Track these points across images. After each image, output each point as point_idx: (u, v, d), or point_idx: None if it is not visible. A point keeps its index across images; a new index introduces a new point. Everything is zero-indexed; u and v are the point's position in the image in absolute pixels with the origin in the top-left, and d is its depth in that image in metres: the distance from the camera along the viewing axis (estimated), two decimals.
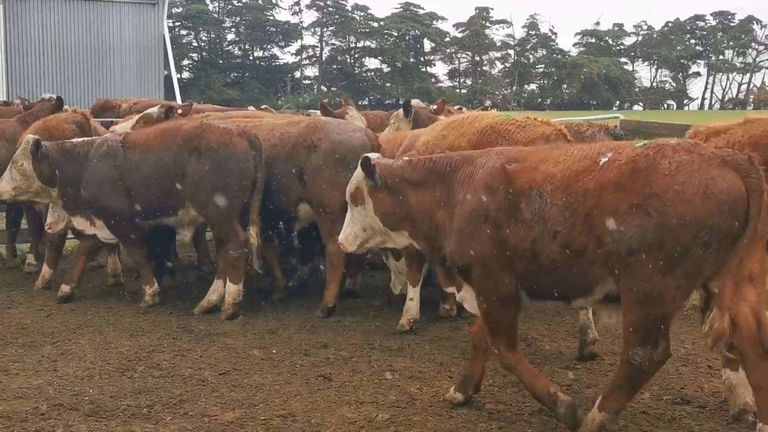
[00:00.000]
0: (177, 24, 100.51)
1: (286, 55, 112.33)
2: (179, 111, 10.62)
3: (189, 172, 9.04)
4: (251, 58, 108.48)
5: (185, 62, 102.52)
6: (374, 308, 9.48)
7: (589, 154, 5.61)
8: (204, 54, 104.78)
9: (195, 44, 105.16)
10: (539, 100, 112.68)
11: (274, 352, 7.85)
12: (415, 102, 12.12)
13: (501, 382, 7.06)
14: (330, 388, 6.91)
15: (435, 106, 13.24)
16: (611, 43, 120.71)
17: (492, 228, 5.84)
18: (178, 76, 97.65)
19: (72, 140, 9.82)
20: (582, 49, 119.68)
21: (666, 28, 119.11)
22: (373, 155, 6.75)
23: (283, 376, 7.18)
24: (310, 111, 12.75)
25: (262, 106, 13.34)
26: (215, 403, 6.58)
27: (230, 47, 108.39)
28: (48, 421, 6.18)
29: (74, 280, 9.76)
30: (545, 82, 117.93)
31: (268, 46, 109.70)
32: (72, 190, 9.55)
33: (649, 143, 5.45)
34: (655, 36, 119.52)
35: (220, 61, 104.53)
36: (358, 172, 6.65)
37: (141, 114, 10.84)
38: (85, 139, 9.84)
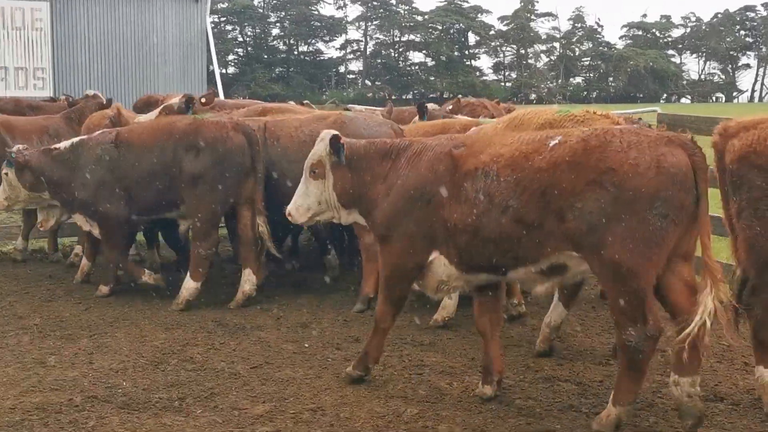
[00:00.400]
0: (222, 19, 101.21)
1: (330, 50, 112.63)
2: (202, 100, 10.67)
3: (186, 167, 9.17)
4: (296, 52, 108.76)
5: (231, 57, 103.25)
6: (408, 304, 9.45)
7: (537, 138, 6.01)
8: (249, 49, 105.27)
9: (240, 39, 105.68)
10: (585, 93, 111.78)
11: (307, 346, 7.90)
12: (431, 106, 12.19)
13: (532, 377, 7.04)
14: (360, 382, 6.93)
15: (450, 106, 13.15)
16: (658, 35, 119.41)
17: (429, 208, 6.32)
18: (224, 71, 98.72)
19: (61, 143, 9.88)
20: (628, 41, 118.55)
21: (715, 20, 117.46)
22: (334, 132, 6.96)
23: (314, 370, 7.22)
24: (349, 106, 12.76)
25: (304, 101, 13.37)
26: (246, 396, 6.63)
27: (275, 42, 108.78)
28: (82, 412, 6.29)
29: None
30: (591, 75, 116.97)
31: (313, 41, 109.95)
32: (65, 193, 9.68)
33: (596, 128, 5.90)
34: (703, 27, 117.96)
35: (265, 56, 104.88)
36: (322, 147, 6.85)
37: (163, 105, 10.89)
38: (74, 140, 9.87)
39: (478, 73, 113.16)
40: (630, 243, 5.43)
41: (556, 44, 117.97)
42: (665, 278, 5.69)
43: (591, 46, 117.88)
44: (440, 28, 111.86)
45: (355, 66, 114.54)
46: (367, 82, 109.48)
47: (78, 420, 6.14)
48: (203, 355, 7.61)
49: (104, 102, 12.41)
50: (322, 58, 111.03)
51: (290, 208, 7.09)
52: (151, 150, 9.29)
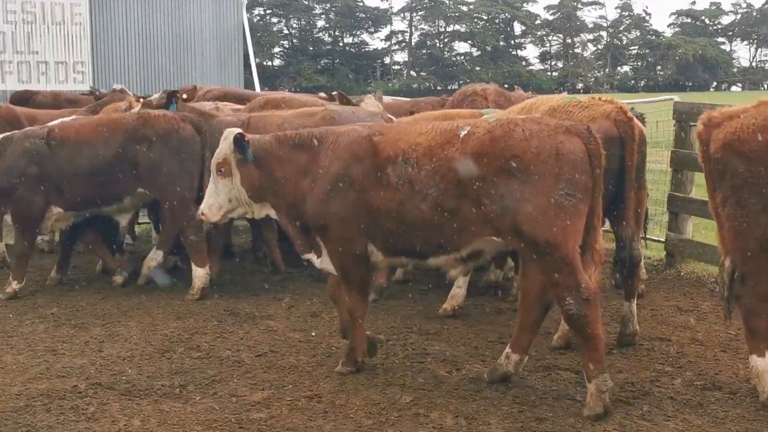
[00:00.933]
0: (268, 12, 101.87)
1: (375, 41, 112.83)
2: (184, 96, 10.81)
3: (142, 160, 9.41)
4: (341, 44, 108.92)
5: (276, 50, 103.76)
6: (420, 292, 9.51)
7: (449, 128, 6.38)
8: (294, 41, 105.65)
9: (285, 32, 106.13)
10: (632, 82, 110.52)
11: (314, 334, 7.99)
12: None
13: (532, 366, 7.04)
14: (361, 370, 6.99)
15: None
16: (708, 22, 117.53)
17: (354, 192, 6.53)
18: (269, 63, 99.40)
19: None
20: (677, 29, 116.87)
21: (766, 6, 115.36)
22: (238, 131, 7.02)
23: (317, 358, 7.30)
24: (334, 93, 12.68)
25: (333, 93, 13.41)
26: (246, 383, 6.73)
27: (320, 34, 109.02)
28: (84, 399, 6.43)
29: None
30: (639, 63, 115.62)
31: (358, 33, 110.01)
32: None
33: (500, 118, 6.37)
34: (754, 14, 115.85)
35: (311, 48, 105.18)
36: (226, 145, 6.92)
37: (144, 101, 10.96)
38: (7, 133, 9.95)
39: (524, 63, 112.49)
40: (543, 220, 5.88)
41: (603, 33, 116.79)
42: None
43: (639, 34, 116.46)
44: (485, 17, 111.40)
45: (400, 57, 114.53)
46: (413, 73, 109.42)
47: (79, 406, 6.28)
48: (210, 344, 7.73)
49: (131, 96, 12.56)
50: (367, 49, 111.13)
51: (203, 208, 7.18)
52: (92, 146, 9.47)
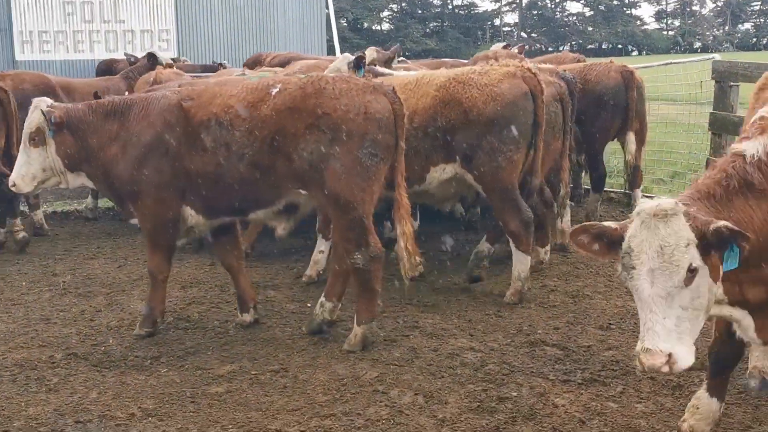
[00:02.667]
0: None
1: (485, 3, 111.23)
2: (169, 61, 10.40)
3: None
4: (450, 7, 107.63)
5: (385, 14, 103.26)
6: (431, 264, 9.18)
7: (260, 86, 6.55)
8: (403, 5, 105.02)
9: None
10: (754, 40, 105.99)
11: (309, 305, 7.79)
12: (370, 54, 10.50)
13: (520, 341, 6.74)
14: (340, 343, 6.78)
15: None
16: None
17: (167, 159, 6.63)
18: (378, 27, 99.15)
19: None
20: None
21: None
22: (48, 101, 7.08)
23: (301, 331, 7.11)
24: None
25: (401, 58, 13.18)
26: (218, 356, 6.61)
27: None
28: (54, 369, 6.43)
29: None
30: (762, 20, 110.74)
31: None
32: None
33: (311, 76, 6.57)
34: None
35: (419, 11, 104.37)
36: (37, 115, 6.90)
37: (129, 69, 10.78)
38: None
39: (638, 23, 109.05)
40: (346, 178, 6.20)
41: None
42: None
43: None
44: None
45: (511, 18, 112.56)
46: (523, 35, 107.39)
47: (45, 377, 6.27)
48: (201, 314, 7.64)
49: (163, 63, 12.57)
50: (476, 11, 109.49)
51: (14, 177, 7.10)
52: None
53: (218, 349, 6.77)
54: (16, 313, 7.80)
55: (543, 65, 8.97)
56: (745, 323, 4.35)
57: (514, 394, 5.74)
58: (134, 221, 7.16)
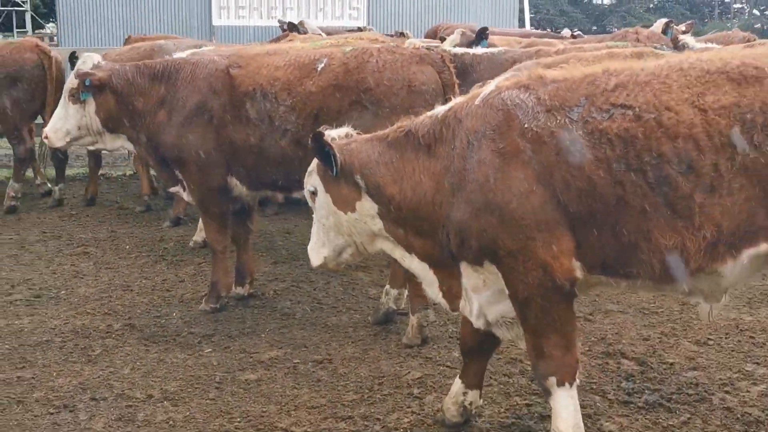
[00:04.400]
0: None
1: None
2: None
3: None
4: None
5: None
6: None
7: (307, 60, 6.27)
8: None
9: None
10: None
11: (373, 293, 7.35)
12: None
13: (597, 351, 5.99)
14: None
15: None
16: None
17: (210, 124, 6.40)
18: (599, 2, 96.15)
19: None
20: None
21: None
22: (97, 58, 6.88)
23: (366, 319, 6.68)
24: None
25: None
26: (270, 340, 6.31)
27: None
28: (105, 339, 6.34)
29: None
30: None
31: None
32: None
33: (355, 48, 6.29)
34: None
35: None
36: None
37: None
38: None
39: None
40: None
41: None
42: None
43: None
44: None
45: None
46: (755, 12, 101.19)
47: (90, 347, 6.19)
48: (278, 293, 7.39)
49: (300, 31, 12.32)
50: None
51: (47, 130, 6.91)
52: None
53: (274, 331, 6.45)
54: (103, 278, 7.80)
55: None
56: (428, 278, 4.51)
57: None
58: (173, 189, 6.99)
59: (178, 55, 7.15)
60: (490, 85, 4.15)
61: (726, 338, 6.22)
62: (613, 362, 5.79)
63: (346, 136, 4.62)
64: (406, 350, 6.05)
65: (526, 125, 3.85)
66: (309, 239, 4.85)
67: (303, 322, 6.64)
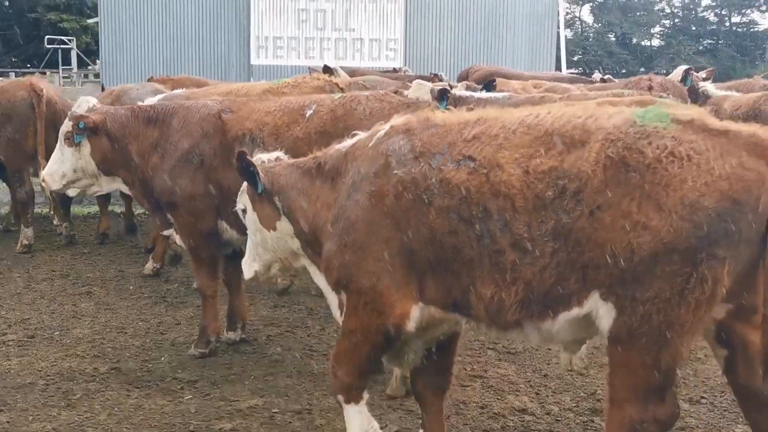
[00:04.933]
0: None
1: (766, 21, 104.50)
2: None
3: None
4: (727, 24, 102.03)
5: (656, 29, 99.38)
6: None
7: (296, 106, 6.35)
8: (676, 21, 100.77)
9: (667, 11, 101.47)
10: None
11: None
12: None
13: (584, 407, 5.82)
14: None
15: None
16: None
17: (201, 168, 6.41)
18: (648, 43, 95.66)
19: None
20: None
21: None
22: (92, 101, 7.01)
23: None
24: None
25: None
26: (253, 388, 6.20)
27: (705, 13, 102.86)
28: (88, 383, 6.29)
29: None
30: None
31: (747, 11, 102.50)
32: None
33: (345, 95, 6.42)
34: None
35: (693, 28, 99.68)
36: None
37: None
38: None
39: None
40: None
41: None
42: None
43: None
44: None
45: None
46: None
47: (72, 390, 6.13)
48: (270, 338, 7.32)
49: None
50: (756, 29, 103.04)
51: (45, 174, 6.99)
52: None
53: (258, 379, 6.36)
54: (100, 319, 7.79)
55: None
56: (329, 297, 4.69)
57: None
58: (167, 232, 6.98)
59: (149, 100, 7.27)
60: (387, 126, 4.39)
61: (720, 396, 6.01)
62: (599, 420, 5.61)
63: (276, 159, 4.95)
64: (389, 402, 5.92)
65: (395, 171, 4.09)
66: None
67: (290, 370, 6.53)
